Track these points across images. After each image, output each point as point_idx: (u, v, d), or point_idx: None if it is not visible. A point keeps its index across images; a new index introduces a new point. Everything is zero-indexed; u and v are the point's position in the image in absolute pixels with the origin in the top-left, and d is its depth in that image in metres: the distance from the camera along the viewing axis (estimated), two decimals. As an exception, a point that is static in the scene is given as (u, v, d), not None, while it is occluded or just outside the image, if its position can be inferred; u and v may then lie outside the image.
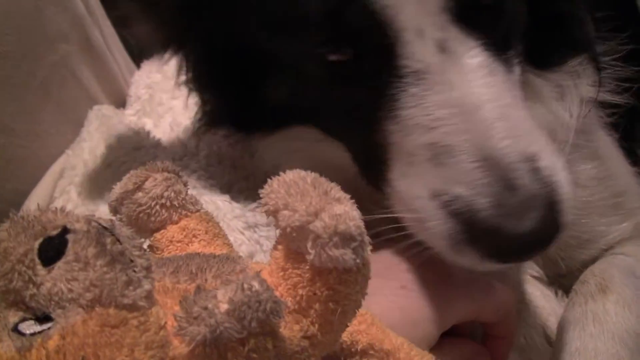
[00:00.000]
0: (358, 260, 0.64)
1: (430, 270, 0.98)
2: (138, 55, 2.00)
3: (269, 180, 0.69)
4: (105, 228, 0.61)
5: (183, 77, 1.28)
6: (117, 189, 0.85)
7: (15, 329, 0.56)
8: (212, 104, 1.24)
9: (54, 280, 0.56)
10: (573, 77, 1.23)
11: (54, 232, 0.59)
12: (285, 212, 0.65)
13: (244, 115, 1.18)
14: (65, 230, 0.59)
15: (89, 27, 1.73)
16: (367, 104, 0.93)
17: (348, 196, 0.67)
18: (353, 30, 0.88)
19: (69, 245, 0.58)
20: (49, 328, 0.55)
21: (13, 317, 0.57)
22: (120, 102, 1.84)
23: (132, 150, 1.46)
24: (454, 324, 0.98)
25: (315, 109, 1.06)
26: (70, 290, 0.56)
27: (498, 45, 0.92)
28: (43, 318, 0.57)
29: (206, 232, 0.87)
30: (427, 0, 0.86)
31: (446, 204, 0.84)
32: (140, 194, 0.84)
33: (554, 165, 0.87)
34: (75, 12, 1.67)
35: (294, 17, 0.91)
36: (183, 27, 1.14)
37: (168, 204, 0.85)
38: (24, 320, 0.57)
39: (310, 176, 0.68)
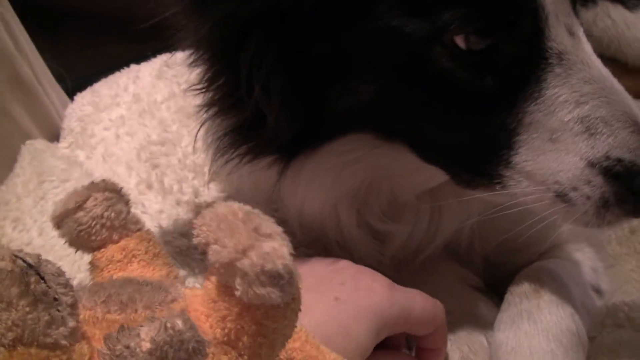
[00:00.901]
0: (285, 298, 0.64)
1: (363, 281, 0.98)
2: (72, 89, 1.99)
3: (202, 211, 0.69)
4: (30, 266, 0.59)
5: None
6: (59, 206, 0.84)
7: None
8: (273, 123, 1.07)
9: None
10: None
11: None
12: (215, 247, 0.65)
13: (299, 133, 1.09)
14: None
15: (18, 64, 1.73)
16: (498, 91, 0.94)
17: (279, 230, 0.67)
18: (510, 14, 0.91)
19: None
20: None
21: None
22: (55, 135, 1.84)
23: (63, 183, 1.45)
24: (387, 335, 0.98)
25: (403, 108, 1.04)
26: None
27: None
28: None
29: (146, 252, 0.85)
30: None
31: (607, 169, 0.90)
32: (81, 213, 0.82)
33: None
34: (3, 50, 1.67)
35: None
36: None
37: (108, 223, 0.83)
38: None
39: (242, 210, 0.68)
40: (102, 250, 0.85)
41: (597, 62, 0.93)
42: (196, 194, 1.52)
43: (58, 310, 0.59)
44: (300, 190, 1.18)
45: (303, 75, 1.03)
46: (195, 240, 0.68)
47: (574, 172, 0.93)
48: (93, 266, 0.85)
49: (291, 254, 0.65)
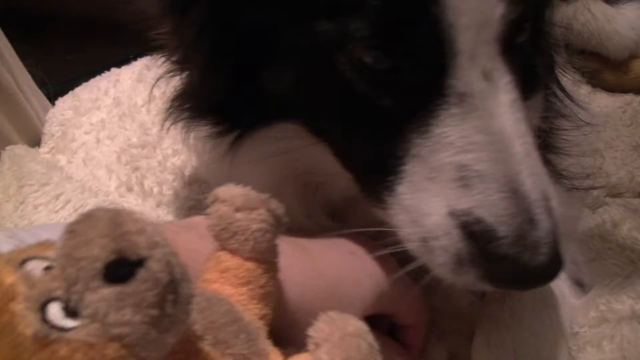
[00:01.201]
0: None
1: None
2: (54, 94, 1.99)
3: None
4: (174, 282, 0.59)
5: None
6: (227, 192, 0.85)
7: (43, 310, 0.56)
8: (206, 84, 1.13)
9: (102, 297, 0.55)
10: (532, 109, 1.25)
11: (133, 258, 0.57)
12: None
13: (234, 102, 1.11)
14: (142, 261, 0.57)
15: (-1, 70, 1.71)
16: (393, 113, 0.92)
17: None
18: (413, 42, 0.88)
19: (138, 277, 0.57)
20: (69, 329, 0.55)
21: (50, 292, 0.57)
22: (36, 140, 1.83)
23: (43, 187, 1.44)
24: (380, 311, 1.01)
25: (320, 108, 1.04)
26: (106, 315, 0.55)
27: (522, 83, 0.94)
28: (71, 312, 0.56)
29: (261, 286, 0.85)
30: (487, 28, 0.87)
31: (465, 224, 0.86)
32: (241, 214, 0.83)
33: (558, 205, 0.91)
34: (-19, 58, 1.66)
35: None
36: None
37: (255, 239, 0.84)
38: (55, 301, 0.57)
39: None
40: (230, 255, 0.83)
41: (507, 116, 0.88)
42: (176, 196, 1.51)
43: (167, 333, 0.59)
44: (244, 172, 1.17)
45: (231, 45, 1.04)
46: None
47: (437, 219, 0.89)
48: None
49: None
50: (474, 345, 1.14)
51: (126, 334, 0.55)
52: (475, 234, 0.85)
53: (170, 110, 1.20)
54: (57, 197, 1.35)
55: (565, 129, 1.63)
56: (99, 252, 0.56)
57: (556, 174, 1.54)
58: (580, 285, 1.33)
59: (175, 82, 1.21)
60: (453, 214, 0.87)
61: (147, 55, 1.94)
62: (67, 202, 1.33)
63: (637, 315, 1.19)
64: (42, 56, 2.17)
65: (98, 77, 2.00)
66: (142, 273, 0.57)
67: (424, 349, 1.20)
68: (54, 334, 0.55)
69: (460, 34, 0.85)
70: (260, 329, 0.80)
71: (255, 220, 0.82)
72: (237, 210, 0.82)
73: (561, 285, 1.27)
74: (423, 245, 0.92)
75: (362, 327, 0.75)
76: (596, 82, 2.16)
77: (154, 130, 1.71)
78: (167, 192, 1.54)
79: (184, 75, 1.19)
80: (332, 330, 0.72)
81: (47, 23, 2.65)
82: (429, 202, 0.90)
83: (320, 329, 0.73)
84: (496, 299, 1.18)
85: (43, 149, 1.76)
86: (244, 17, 1.00)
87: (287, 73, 1.01)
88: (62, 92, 1.99)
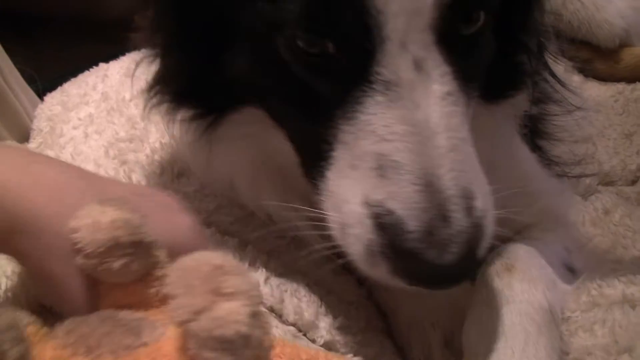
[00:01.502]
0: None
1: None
2: (43, 90, 1.98)
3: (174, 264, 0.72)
4: None
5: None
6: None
7: None
8: (172, 69, 1.17)
9: None
10: (514, 106, 1.27)
11: None
12: (174, 304, 0.67)
13: (204, 87, 1.12)
14: None
15: (-14, 69, 1.71)
16: (326, 98, 0.92)
17: (247, 288, 0.68)
18: (340, 27, 0.87)
19: None
20: None
21: None
22: (25, 136, 1.81)
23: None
24: None
25: (268, 91, 1.04)
26: None
27: (465, 77, 0.92)
28: None
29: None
30: (418, 16, 0.85)
31: (376, 215, 0.85)
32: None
33: (486, 207, 0.89)
34: (-31, 56, 1.65)
35: None
36: None
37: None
38: None
39: (209, 265, 0.69)
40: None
41: (435, 108, 0.87)
42: (165, 189, 1.50)
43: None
44: (221, 156, 1.21)
45: (192, 29, 1.05)
46: (164, 290, 0.72)
47: (352, 208, 0.88)
48: None
49: (255, 313, 0.66)
50: (465, 330, 1.14)
51: None
52: (385, 226, 0.84)
53: (150, 97, 1.21)
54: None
55: (556, 114, 1.63)
56: None
57: (547, 160, 1.54)
58: (572, 271, 1.33)
59: (153, 70, 1.23)
60: (367, 204, 0.86)
61: (135, 50, 1.94)
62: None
63: (629, 299, 1.18)
64: (32, 54, 2.17)
65: (86, 73, 1.98)
66: None
67: (418, 336, 1.19)
68: None
69: (389, 20, 0.84)
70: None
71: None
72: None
73: (552, 271, 1.27)
74: (342, 232, 0.92)
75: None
76: (588, 71, 2.15)
77: (142, 124, 1.69)
78: (155, 185, 1.53)
79: (159, 62, 1.20)
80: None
81: (38, 21, 2.64)
82: (349, 189, 0.89)
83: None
84: (486, 282, 1.17)
85: (32, 144, 1.75)
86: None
87: (241, 56, 1.02)
88: (52, 88, 1.98)
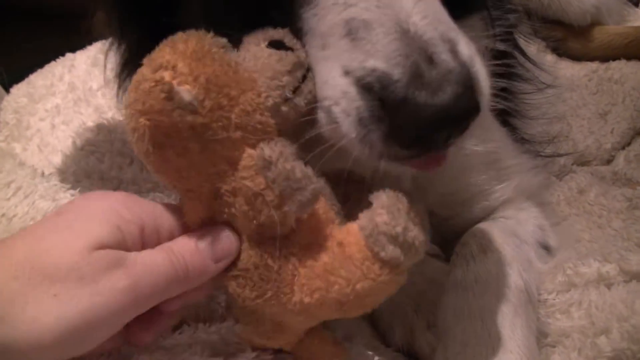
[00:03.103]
0: None
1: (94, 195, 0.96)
2: (9, 83, 1.94)
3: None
4: None
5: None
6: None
7: None
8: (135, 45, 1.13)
9: None
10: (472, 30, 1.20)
11: None
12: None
13: None
14: None
15: (-50, 62, 1.68)
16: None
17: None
18: None
19: None
20: None
21: None
22: (-7, 129, 1.78)
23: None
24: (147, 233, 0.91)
25: (229, 26, 0.94)
26: None
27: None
28: None
29: None
30: None
31: (358, 79, 0.80)
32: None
33: (471, 52, 0.82)
34: None
35: None
36: None
37: None
38: None
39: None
40: None
41: None
42: (134, 179, 1.47)
43: None
44: None
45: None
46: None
47: (333, 83, 0.83)
48: None
49: None
50: (441, 313, 1.12)
51: None
52: (371, 85, 0.79)
53: (122, 81, 1.20)
54: (8, 184, 1.30)
55: (527, 93, 1.61)
56: None
57: (520, 139, 1.53)
58: (547, 249, 1.31)
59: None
60: (347, 72, 0.81)
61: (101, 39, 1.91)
62: (18, 189, 1.29)
63: (604, 277, 1.17)
64: (-1, 48, 2.14)
65: (53, 63, 1.95)
66: None
67: (401, 321, 1.18)
68: None
69: None
70: None
71: None
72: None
73: (527, 249, 1.26)
74: (329, 118, 0.85)
75: None
76: (562, 51, 2.15)
77: (110, 114, 1.67)
78: (125, 176, 1.50)
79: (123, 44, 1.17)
80: None
81: (3, 14, 2.60)
82: (327, 70, 0.84)
83: None
84: (461, 264, 1.16)
85: (-2, 138, 1.72)
86: None
87: (195, 3, 0.99)
88: (19, 80, 1.95)
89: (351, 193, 0.98)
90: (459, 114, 0.79)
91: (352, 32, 0.81)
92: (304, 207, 0.82)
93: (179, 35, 0.80)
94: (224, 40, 0.83)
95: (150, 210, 0.87)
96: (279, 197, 0.79)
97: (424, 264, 1.24)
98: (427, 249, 1.26)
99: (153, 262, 0.82)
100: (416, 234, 0.83)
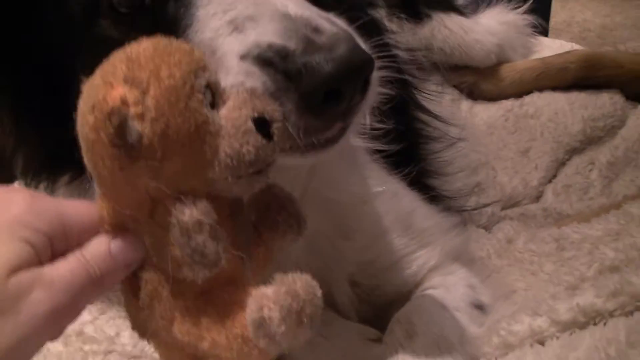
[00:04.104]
0: None
1: None
2: None
3: None
4: None
5: None
6: None
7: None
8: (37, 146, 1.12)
9: None
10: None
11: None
12: None
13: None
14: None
15: None
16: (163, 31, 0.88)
17: None
18: None
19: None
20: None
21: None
22: None
23: None
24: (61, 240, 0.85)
25: None
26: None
27: None
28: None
29: None
30: None
31: (258, 56, 0.84)
32: None
33: (348, 28, 0.90)
34: None
35: None
36: None
37: None
38: None
39: None
40: None
41: None
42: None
43: None
44: None
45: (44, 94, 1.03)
46: None
47: (236, 70, 0.86)
48: None
49: None
50: None
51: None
52: (270, 59, 0.83)
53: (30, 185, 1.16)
54: None
55: (438, 151, 1.59)
56: None
57: (440, 197, 1.51)
58: (481, 308, 1.26)
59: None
60: (244, 56, 0.85)
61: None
62: None
63: (536, 332, 1.11)
64: None
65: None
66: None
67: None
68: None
69: None
70: None
71: None
72: None
73: (459, 317, 1.21)
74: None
75: None
76: (476, 94, 2.14)
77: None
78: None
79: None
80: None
81: None
82: (224, 66, 0.87)
83: None
84: (390, 352, 1.11)
85: None
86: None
87: None
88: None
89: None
90: (358, 64, 0.84)
91: (239, 27, 0.87)
92: (201, 276, 0.78)
93: (165, 47, 0.76)
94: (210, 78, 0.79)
95: (57, 211, 0.82)
96: (181, 259, 0.77)
97: (364, 351, 1.21)
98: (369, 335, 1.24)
99: (69, 274, 0.78)
100: (303, 333, 0.78)
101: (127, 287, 0.85)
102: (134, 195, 0.77)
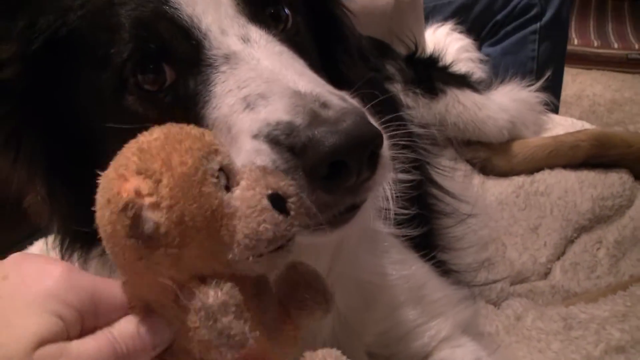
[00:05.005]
0: None
1: (32, 268, 0.87)
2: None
3: None
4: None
5: None
6: None
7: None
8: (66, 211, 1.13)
9: None
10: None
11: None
12: None
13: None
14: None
15: None
16: (187, 108, 0.97)
17: None
18: (165, 39, 0.97)
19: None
20: None
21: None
22: None
23: None
24: (91, 316, 0.87)
25: None
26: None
27: (289, 40, 1.04)
28: None
29: None
30: (222, 9, 0.99)
31: (268, 135, 0.86)
32: None
33: (357, 102, 0.92)
34: None
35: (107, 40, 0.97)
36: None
37: None
38: None
39: None
40: None
41: (275, 57, 0.96)
42: None
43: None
44: None
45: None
46: None
47: (247, 148, 0.89)
48: None
49: None
50: None
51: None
52: (278, 137, 0.85)
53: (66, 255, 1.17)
54: None
55: (450, 227, 1.62)
56: None
57: (449, 272, 1.53)
58: None
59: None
60: (256, 135, 0.87)
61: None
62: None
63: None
64: None
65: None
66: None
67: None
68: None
69: (202, 19, 0.97)
70: None
71: None
72: None
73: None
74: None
75: None
76: (488, 169, 2.17)
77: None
78: None
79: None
80: None
81: None
82: (236, 148, 0.90)
83: None
84: None
85: None
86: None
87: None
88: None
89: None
90: (363, 138, 0.84)
91: (250, 104, 0.89)
92: (229, 358, 0.78)
93: (175, 134, 0.79)
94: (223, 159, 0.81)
95: (90, 287, 0.83)
96: (208, 341, 0.77)
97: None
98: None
99: (96, 351, 0.79)
100: None
101: None
102: (156, 282, 0.77)
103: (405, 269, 1.35)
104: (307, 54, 1.06)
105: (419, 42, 2.26)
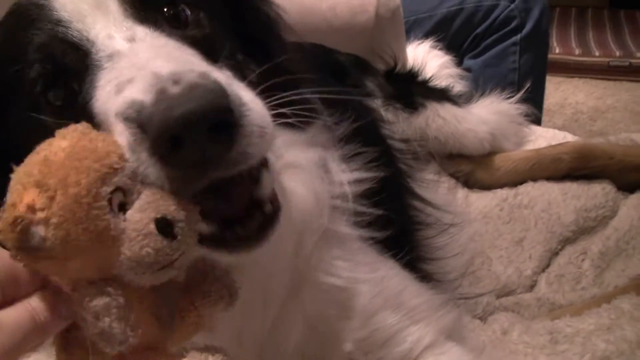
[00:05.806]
0: None
1: None
2: None
3: None
4: None
5: None
6: None
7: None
8: None
9: None
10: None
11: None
12: None
13: None
14: None
15: None
16: (87, 113, 0.98)
17: None
18: (56, 57, 1.02)
19: None
20: None
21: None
22: None
23: None
24: None
25: None
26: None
27: (187, 35, 1.08)
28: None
29: None
30: (110, 16, 1.03)
31: (123, 114, 0.88)
32: None
33: (227, 78, 0.93)
34: None
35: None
36: None
37: None
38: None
39: None
40: None
41: (148, 52, 0.97)
42: None
43: None
44: None
45: None
46: None
47: (117, 132, 0.90)
48: None
49: None
50: None
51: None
52: (130, 115, 0.87)
53: None
54: None
55: (431, 237, 1.62)
56: None
57: (432, 280, 1.53)
58: None
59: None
60: (117, 114, 0.90)
61: None
62: None
63: None
64: None
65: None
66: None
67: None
68: None
69: (90, 30, 1.02)
70: None
71: None
72: None
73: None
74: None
75: None
76: (471, 183, 2.17)
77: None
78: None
79: None
80: None
81: None
82: (111, 127, 0.92)
83: None
84: None
85: None
86: None
87: None
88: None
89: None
90: (196, 111, 0.82)
91: (118, 87, 0.92)
92: (111, 352, 0.82)
93: (80, 148, 0.81)
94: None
95: (10, 262, 0.84)
96: (93, 335, 0.81)
97: None
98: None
99: (17, 320, 0.82)
100: None
101: (59, 341, 0.87)
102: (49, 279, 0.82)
103: (379, 273, 1.36)
104: (209, 44, 1.09)
105: (399, 58, 2.25)
